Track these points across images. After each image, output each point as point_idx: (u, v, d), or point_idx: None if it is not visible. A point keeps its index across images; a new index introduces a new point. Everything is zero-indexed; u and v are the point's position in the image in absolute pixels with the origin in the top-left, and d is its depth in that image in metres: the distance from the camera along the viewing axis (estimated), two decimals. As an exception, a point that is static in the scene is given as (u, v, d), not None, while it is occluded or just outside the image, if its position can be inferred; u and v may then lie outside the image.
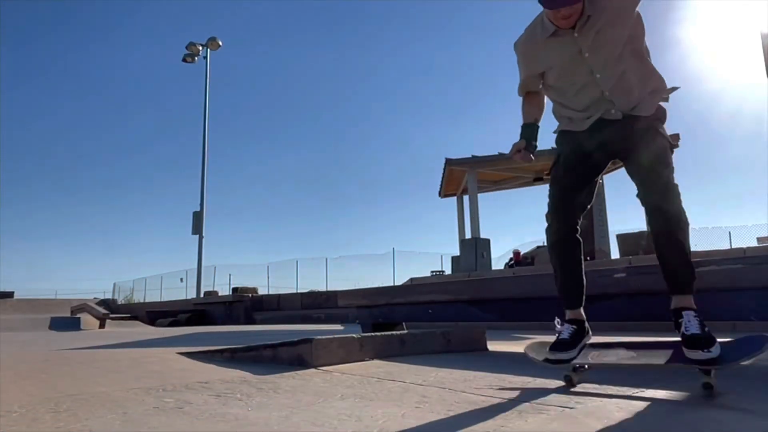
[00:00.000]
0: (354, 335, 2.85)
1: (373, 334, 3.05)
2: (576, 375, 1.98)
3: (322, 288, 19.97)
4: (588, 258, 12.10)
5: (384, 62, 55.16)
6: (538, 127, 2.31)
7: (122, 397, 1.86)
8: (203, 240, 20.45)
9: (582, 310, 2.14)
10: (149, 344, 4.99)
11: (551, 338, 2.16)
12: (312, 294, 15.67)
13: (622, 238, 9.93)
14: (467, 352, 3.24)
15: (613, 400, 1.69)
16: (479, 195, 12.96)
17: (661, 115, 2.09)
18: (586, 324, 2.13)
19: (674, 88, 2.12)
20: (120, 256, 51.87)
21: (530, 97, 2.31)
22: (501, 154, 12.76)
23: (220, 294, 18.79)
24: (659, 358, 1.91)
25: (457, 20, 51.30)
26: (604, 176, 14.00)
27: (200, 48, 22.22)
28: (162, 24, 49.82)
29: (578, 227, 2.15)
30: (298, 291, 19.15)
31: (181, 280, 25.37)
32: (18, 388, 2.07)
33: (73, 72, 50.67)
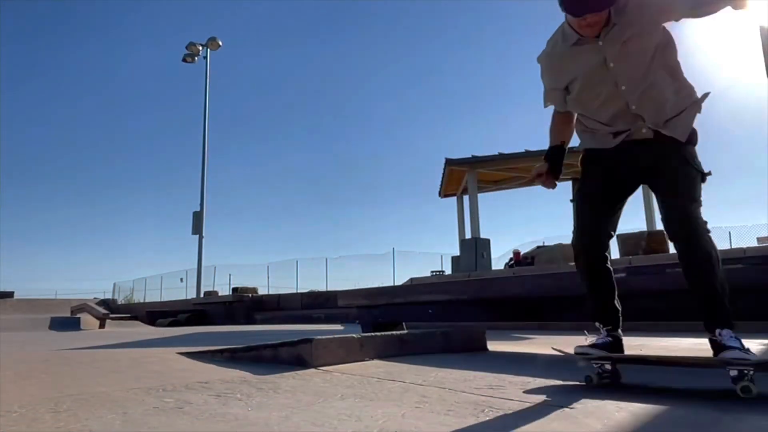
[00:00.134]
0: (354, 335, 2.85)
1: (373, 334, 3.05)
2: (598, 377, 1.94)
3: (322, 288, 19.98)
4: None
5: (384, 62, 55.21)
6: (565, 150, 2.22)
7: (122, 397, 1.86)
8: (203, 240, 20.46)
9: (620, 330, 2.06)
10: (149, 344, 4.99)
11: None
12: (312, 294, 15.68)
13: (622, 238, 9.92)
14: (467, 352, 3.24)
15: (613, 399, 1.69)
16: (479, 195, 12.95)
17: (694, 139, 1.98)
18: (622, 344, 2.05)
19: (706, 95, 2.02)
20: (120, 256, 51.88)
21: (559, 117, 2.23)
22: (501, 154, 12.77)
23: (220, 294, 18.80)
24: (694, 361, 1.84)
25: (458, 20, 51.34)
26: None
27: (200, 48, 22.23)
28: (162, 24, 49.84)
29: (607, 254, 2.07)
30: (298, 291, 19.15)
31: (181, 280, 25.39)
32: (18, 388, 2.07)
33: (74, 72, 50.71)
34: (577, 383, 2.00)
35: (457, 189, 14.65)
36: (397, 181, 54.45)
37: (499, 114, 54.24)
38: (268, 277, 23.76)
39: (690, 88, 2.01)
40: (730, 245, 15.14)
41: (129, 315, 18.53)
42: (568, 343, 4.17)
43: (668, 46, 1.98)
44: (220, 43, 22.40)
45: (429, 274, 14.03)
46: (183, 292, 24.40)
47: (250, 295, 16.45)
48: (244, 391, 1.97)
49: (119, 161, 53.24)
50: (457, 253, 12.96)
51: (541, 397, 1.75)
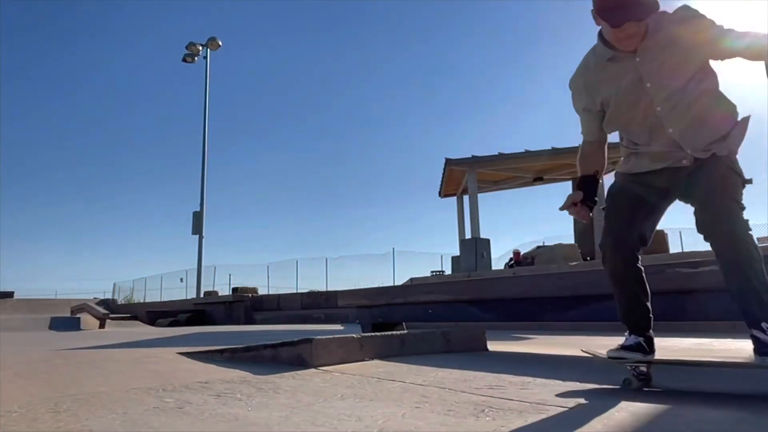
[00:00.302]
0: (354, 335, 2.85)
1: (373, 334, 3.05)
2: (636, 380, 1.90)
3: (322, 288, 19.97)
4: (588, 258, 12.09)
5: (384, 62, 55.19)
6: (598, 181, 2.12)
7: (122, 397, 1.86)
8: (203, 240, 20.46)
9: (651, 331, 1.99)
10: (149, 344, 4.99)
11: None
12: (312, 294, 15.66)
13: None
14: (467, 352, 3.24)
15: (614, 400, 1.69)
16: (479, 195, 12.96)
17: (734, 149, 1.91)
18: (654, 343, 1.98)
19: (747, 119, 1.92)
20: (120, 256, 51.90)
21: (590, 147, 2.13)
22: (501, 154, 12.77)
23: (220, 294, 18.79)
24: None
25: (458, 20, 51.33)
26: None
27: (200, 48, 22.22)
28: (162, 24, 49.83)
29: (635, 257, 1.99)
30: (298, 291, 19.15)
31: (181, 280, 25.39)
32: (18, 388, 2.07)
33: (74, 71, 50.72)
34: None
35: (457, 189, 14.65)
36: (398, 181, 54.53)
37: (499, 114, 54.25)
38: (268, 277, 23.78)
39: (732, 110, 1.92)
40: (730, 245, 15.11)
41: (129, 315, 18.53)
42: (568, 343, 4.17)
43: (708, 68, 1.89)
44: (220, 43, 22.40)
45: (429, 274, 14.03)
46: (183, 292, 24.42)
47: (250, 295, 16.44)
48: (244, 391, 1.97)
49: (119, 161, 53.29)
50: (457, 253, 12.96)
51: (542, 397, 1.75)
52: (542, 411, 1.55)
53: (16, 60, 45.91)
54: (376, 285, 14.49)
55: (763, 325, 1.72)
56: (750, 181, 1.89)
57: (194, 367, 2.69)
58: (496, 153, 12.76)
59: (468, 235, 13.06)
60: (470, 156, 12.67)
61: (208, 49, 22.27)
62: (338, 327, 8.26)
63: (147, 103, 53.81)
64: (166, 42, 51.02)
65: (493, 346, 3.53)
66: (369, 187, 54.01)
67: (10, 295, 23.86)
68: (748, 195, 1.88)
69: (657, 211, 2.03)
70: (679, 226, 13.72)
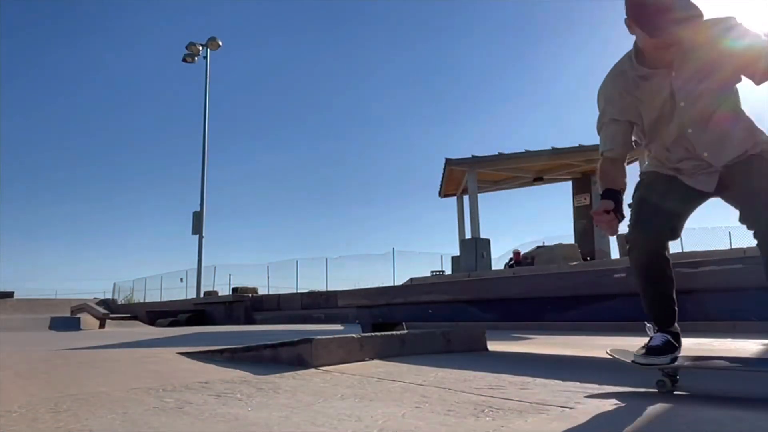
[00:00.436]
0: (354, 335, 2.85)
1: (373, 334, 3.05)
2: (670, 381, 1.84)
3: (322, 288, 19.97)
4: (588, 258, 12.09)
5: (384, 62, 55.19)
6: (622, 197, 1.99)
7: (122, 397, 1.86)
8: (203, 240, 20.46)
9: (677, 324, 1.95)
10: (149, 344, 4.99)
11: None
12: (312, 294, 15.65)
13: (622, 238, 9.92)
14: (467, 352, 3.24)
15: (613, 400, 1.69)
16: (479, 195, 12.96)
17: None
18: (680, 337, 1.94)
19: None
20: (120, 256, 51.93)
21: (615, 164, 1.99)
22: (501, 154, 12.77)
23: (220, 294, 18.80)
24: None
25: (458, 20, 51.32)
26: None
27: (200, 48, 22.22)
28: (162, 24, 49.82)
29: (664, 252, 1.93)
30: (298, 291, 19.15)
31: (181, 280, 25.40)
32: (18, 388, 2.07)
33: (74, 71, 50.71)
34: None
35: (457, 189, 14.65)
36: (398, 181, 54.54)
37: (499, 114, 54.24)
38: (268, 277, 23.77)
39: (751, 123, 1.88)
40: (730, 245, 15.15)
41: (129, 315, 18.54)
42: (568, 343, 4.17)
43: (735, 85, 1.84)
44: (220, 43, 22.40)
45: (429, 274, 14.03)
46: (183, 292, 24.43)
47: (250, 295, 16.45)
48: (244, 391, 1.97)
49: (119, 161, 53.31)
50: (457, 253, 12.96)
51: (542, 397, 1.75)
52: (542, 411, 1.55)
53: (16, 60, 45.93)
54: (376, 285, 14.50)
55: None
56: None
57: (194, 367, 2.69)
58: (496, 153, 12.77)
59: (468, 235, 13.06)
60: (470, 156, 12.68)
61: (208, 49, 22.27)
62: (338, 327, 8.26)
63: (147, 103, 53.84)
64: (166, 42, 51.03)
65: (493, 346, 3.53)
66: (369, 187, 54.04)
67: (10, 295, 23.87)
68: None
69: (689, 207, 1.96)
70: (679, 226, 13.71)
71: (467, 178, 13.08)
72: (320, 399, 1.80)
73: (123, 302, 24.88)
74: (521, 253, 12.05)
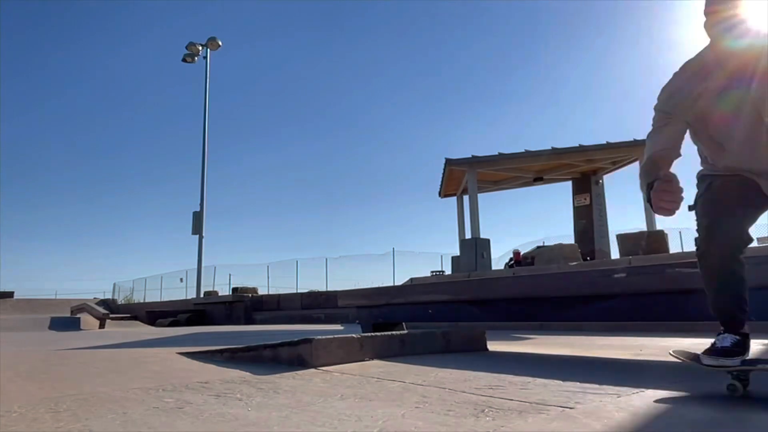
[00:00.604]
0: (354, 335, 2.85)
1: (373, 334, 3.05)
2: (741, 385, 1.74)
3: (322, 288, 19.96)
4: (588, 258, 12.08)
5: (384, 61, 55.18)
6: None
7: (122, 397, 1.86)
8: (203, 240, 20.46)
9: (746, 325, 1.85)
10: (149, 344, 4.99)
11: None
12: (312, 294, 15.69)
13: (622, 238, 9.92)
14: (467, 352, 3.24)
15: (613, 400, 1.69)
16: (479, 195, 12.96)
17: None
18: (749, 339, 1.84)
19: None
20: (120, 256, 51.97)
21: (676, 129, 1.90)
22: (501, 154, 12.77)
23: (220, 294, 18.81)
24: None
25: (458, 20, 51.33)
26: (604, 176, 14.05)
27: (200, 48, 22.25)
28: (162, 24, 49.83)
29: (740, 254, 1.83)
30: (298, 291, 19.15)
31: (181, 280, 25.40)
32: (18, 388, 2.07)
33: (74, 71, 50.70)
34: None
35: (457, 189, 14.66)
36: (397, 181, 54.55)
37: (499, 114, 54.25)
38: (268, 277, 23.75)
39: None
40: (730, 245, 15.13)
41: (129, 315, 18.56)
42: (568, 343, 4.17)
43: None
44: (220, 43, 22.42)
45: (429, 274, 14.03)
46: (183, 292, 24.43)
47: (250, 295, 16.47)
48: (244, 391, 1.97)
49: (119, 161, 53.34)
50: (457, 253, 12.96)
51: (542, 397, 1.75)
52: (542, 411, 1.55)
53: (15, 60, 45.94)
54: (376, 285, 14.51)
55: None
56: None
57: (194, 367, 2.69)
58: (496, 153, 12.76)
59: (468, 235, 13.06)
60: (470, 156, 12.67)
61: (208, 49, 22.29)
62: (338, 327, 8.26)
63: (147, 103, 53.85)
64: (166, 42, 51.03)
65: (493, 346, 3.53)
66: (369, 187, 54.06)
67: (10, 295, 23.90)
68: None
69: (760, 210, 1.90)
70: (679, 226, 13.73)
71: (467, 178, 13.08)
72: (320, 399, 1.80)
73: (123, 302, 24.91)
74: (521, 253, 12.05)
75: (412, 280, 10.82)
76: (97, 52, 52.44)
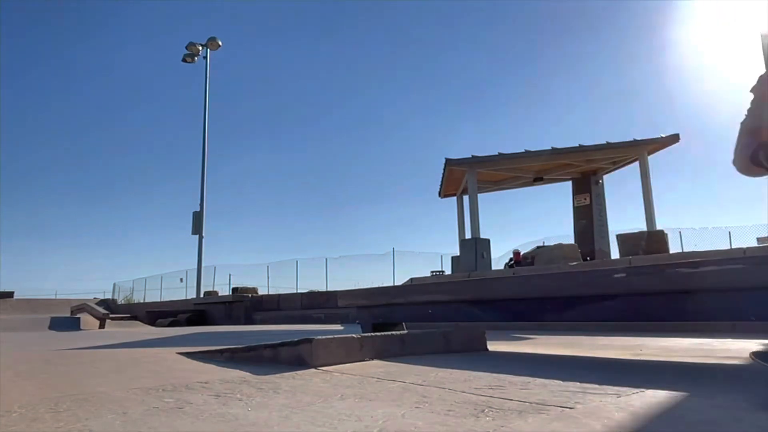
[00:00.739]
0: (354, 335, 2.85)
1: (373, 334, 3.05)
2: None
3: (322, 288, 19.97)
4: (588, 258, 12.07)
5: (384, 61, 55.14)
6: None
7: (122, 397, 1.86)
8: (203, 240, 20.47)
9: None
10: (149, 344, 4.99)
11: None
12: (312, 294, 15.69)
13: (622, 238, 9.93)
14: (467, 352, 3.24)
15: (613, 400, 1.69)
16: (479, 195, 12.96)
17: None
18: None
19: None
20: (120, 256, 51.99)
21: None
22: (501, 154, 12.78)
23: (220, 294, 18.81)
24: None
25: (458, 20, 51.30)
26: (604, 176, 14.04)
27: (200, 48, 22.25)
28: (162, 24, 49.81)
29: None
30: (298, 291, 19.16)
31: (181, 280, 25.43)
32: (18, 388, 2.07)
33: (74, 71, 50.70)
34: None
35: (457, 189, 14.67)
36: (397, 181, 54.53)
37: (499, 114, 54.21)
38: (268, 277, 23.77)
39: None
40: (730, 245, 15.18)
41: (129, 315, 18.57)
42: (568, 343, 4.17)
43: None
44: (220, 43, 22.42)
45: (429, 274, 14.03)
46: (183, 292, 24.45)
47: (250, 295, 16.47)
48: (244, 391, 1.97)
49: (119, 161, 53.33)
50: (457, 253, 12.97)
51: (542, 397, 1.75)
52: (542, 411, 1.55)
53: (15, 60, 45.92)
54: (376, 285, 14.52)
55: None
56: None
57: (194, 367, 2.69)
58: (496, 153, 12.76)
59: (468, 235, 13.06)
60: (470, 156, 12.68)
61: (208, 49, 22.30)
62: (338, 327, 8.27)
63: (147, 103, 53.84)
64: (166, 42, 51.01)
65: (493, 346, 3.53)
66: (369, 187, 54.04)
67: (10, 295, 23.90)
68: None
69: None
70: (679, 226, 13.74)
71: (467, 178, 13.08)
72: (320, 399, 1.80)
73: (123, 302, 24.92)
74: (521, 253, 12.06)
75: (412, 280, 10.82)
76: (97, 52, 52.43)
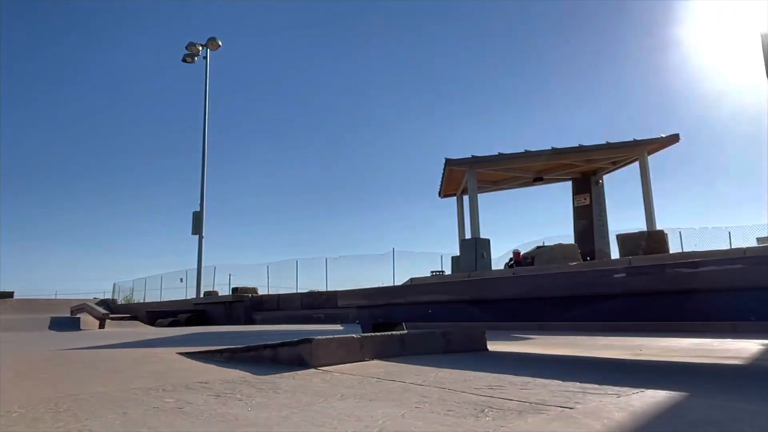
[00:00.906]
0: (354, 335, 2.85)
1: (373, 334, 3.05)
2: None
3: (322, 288, 19.96)
4: (588, 258, 12.06)
5: (384, 62, 55.15)
6: None
7: (122, 397, 1.86)
8: (203, 240, 20.46)
9: None
10: (149, 344, 4.99)
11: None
12: (312, 294, 15.68)
13: (622, 239, 9.93)
14: (467, 352, 3.24)
15: (613, 400, 1.69)
16: (479, 195, 12.95)
17: None
18: None
19: None
20: (120, 256, 51.97)
21: None
22: (501, 154, 12.77)
23: (220, 294, 18.81)
24: None
25: (458, 20, 51.31)
26: (604, 176, 14.05)
27: (200, 48, 22.24)
28: (162, 24, 49.81)
29: None
30: (298, 291, 19.16)
31: (181, 280, 25.42)
32: (18, 388, 2.07)
33: (73, 72, 50.68)
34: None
35: (457, 189, 14.66)
36: (397, 182, 54.46)
37: (499, 114, 54.20)
38: (268, 277, 23.77)
39: None
40: (730, 245, 15.18)
41: (129, 315, 18.56)
42: (568, 343, 4.17)
43: None
44: (220, 43, 22.42)
45: (429, 274, 14.03)
46: (183, 292, 24.44)
47: (250, 295, 16.46)
48: (244, 391, 1.97)
49: (119, 161, 53.29)
50: (457, 253, 12.97)
51: (542, 397, 1.75)
52: (542, 411, 1.55)
53: (15, 60, 45.91)
54: (376, 285, 14.51)
55: None
56: None
57: (194, 367, 2.69)
58: (496, 153, 12.76)
59: (468, 235, 13.05)
60: (470, 156, 12.67)
61: (208, 49, 22.28)
62: (338, 327, 8.26)
63: (147, 103, 53.79)
64: (166, 42, 51.00)
65: (493, 346, 3.53)
66: (369, 187, 53.99)
67: (10, 295, 23.89)
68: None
69: None
70: (679, 226, 13.74)
71: (467, 178, 13.08)
72: (320, 399, 1.80)
73: (123, 302, 24.92)
74: (521, 253, 12.06)
75: (412, 280, 10.82)
76: (97, 52, 52.42)
